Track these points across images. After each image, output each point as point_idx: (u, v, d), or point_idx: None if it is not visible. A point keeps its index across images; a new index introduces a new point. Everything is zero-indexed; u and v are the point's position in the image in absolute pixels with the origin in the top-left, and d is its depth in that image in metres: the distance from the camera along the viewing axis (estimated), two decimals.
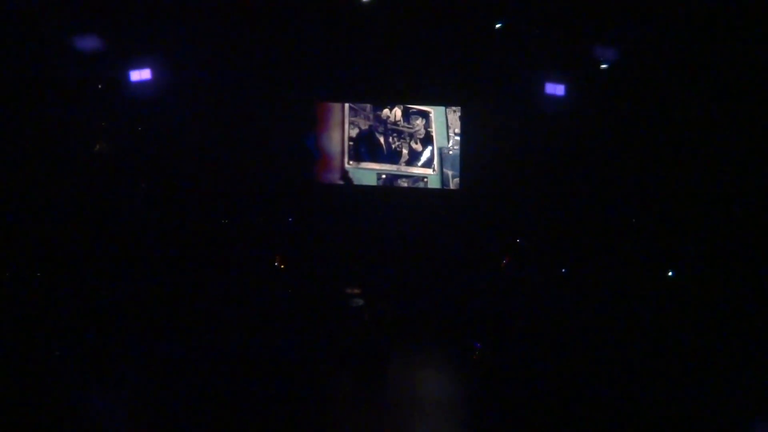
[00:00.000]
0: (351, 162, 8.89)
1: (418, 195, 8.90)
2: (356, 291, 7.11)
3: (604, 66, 7.40)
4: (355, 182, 8.88)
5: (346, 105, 8.81)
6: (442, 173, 8.83)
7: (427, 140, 8.78)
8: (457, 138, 8.75)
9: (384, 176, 8.91)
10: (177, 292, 7.10)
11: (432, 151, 8.81)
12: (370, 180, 8.90)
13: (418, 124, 8.83)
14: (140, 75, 7.38)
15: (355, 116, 8.89)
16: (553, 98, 7.73)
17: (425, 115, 8.83)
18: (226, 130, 8.60)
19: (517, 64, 8.01)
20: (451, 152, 8.81)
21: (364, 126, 8.88)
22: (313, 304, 7.23)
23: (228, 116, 8.58)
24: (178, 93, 8.10)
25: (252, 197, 8.67)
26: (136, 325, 6.43)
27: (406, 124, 8.84)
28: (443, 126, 8.81)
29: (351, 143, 8.85)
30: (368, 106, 8.88)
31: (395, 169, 8.89)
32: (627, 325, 6.45)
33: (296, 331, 6.57)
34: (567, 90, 7.64)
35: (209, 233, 8.19)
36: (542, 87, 7.73)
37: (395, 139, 8.83)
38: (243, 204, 8.63)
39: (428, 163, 8.81)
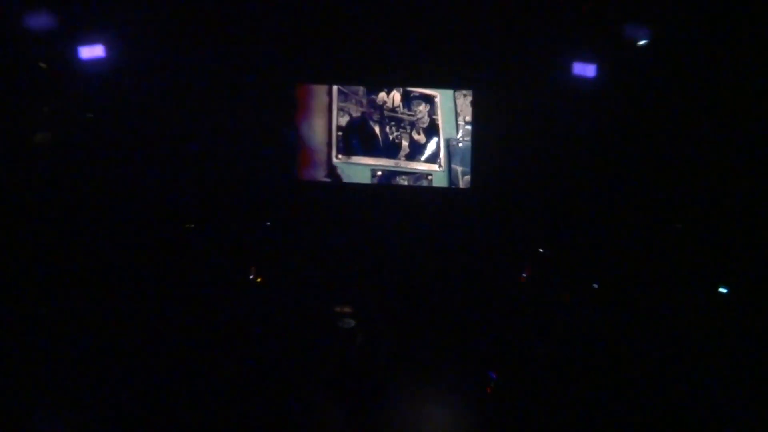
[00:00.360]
0: (340, 156, 8.53)
1: (421, 195, 8.55)
2: (347, 310, 6.82)
3: (642, 42, 6.98)
4: (345, 180, 8.51)
5: (334, 88, 8.42)
6: (449, 169, 8.48)
7: (432, 130, 8.43)
8: (468, 127, 8.37)
9: (380, 173, 8.54)
10: (132, 310, 6.74)
11: (438, 143, 8.48)
12: (363, 177, 8.50)
13: (420, 111, 8.48)
14: (91, 52, 7.15)
15: (345, 101, 8.52)
16: (583, 80, 7.37)
17: (430, 100, 8.47)
18: (190, 118, 8.28)
19: (538, 40, 7.67)
20: (460, 144, 8.45)
21: (356, 113, 8.53)
22: (295, 325, 6.84)
23: (193, 101, 8.25)
24: (135, 73, 7.87)
25: (222, 197, 8.38)
26: (78, 353, 6.03)
27: (406, 111, 8.49)
28: (451, 113, 8.44)
29: (340, 133, 8.50)
30: (361, 89, 8.50)
31: (393, 164, 8.53)
32: (672, 352, 6.08)
33: (274, 358, 6.21)
34: (599, 71, 7.27)
35: (171, 240, 7.90)
36: (569, 67, 7.36)
37: (393, 128, 8.50)
38: (211, 205, 8.34)
39: (433, 158, 8.45)
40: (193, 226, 8.28)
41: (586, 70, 7.41)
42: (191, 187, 8.36)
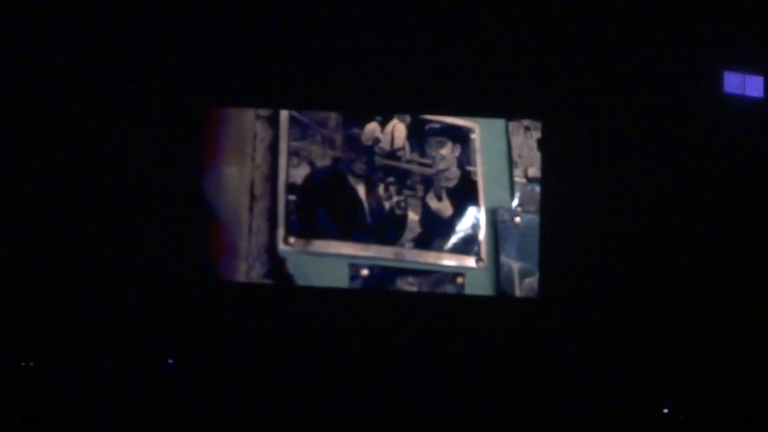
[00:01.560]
0: (291, 239, 7.52)
1: (445, 312, 7.63)
2: None
3: None
4: (301, 281, 7.53)
5: (283, 113, 7.56)
6: (497, 265, 7.48)
7: (465, 192, 7.54)
8: (534, 188, 7.49)
9: (366, 271, 7.53)
10: None
11: (475, 218, 7.58)
12: (337, 277, 7.48)
13: (444, 158, 7.54)
14: None
15: (303, 138, 7.51)
16: (740, 102, 6.97)
17: (461, 136, 7.53)
18: (34, 167, 7.57)
19: (662, 36, 7.05)
20: (518, 220, 7.48)
21: (323, 160, 7.51)
22: None
23: (39, 141, 7.53)
24: None
25: (86, 317, 7.71)
26: None
27: (416, 157, 7.53)
28: (502, 161, 7.52)
29: (293, 197, 7.55)
30: (332, 117, 7.60)
31: (392, 254, 7.49)
32: None
33: None
34: None
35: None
36: (718, 80, 6.91)
37: (393, 189, 7.57)
38: (66, 331, 7.67)
39: (467, 244, 7.53)
40: (32, 364, 7.74)
41: (746, 85, 7.07)
42: (33, 300, 7.64)
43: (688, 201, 7.47)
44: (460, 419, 7.31)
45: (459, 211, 7.70)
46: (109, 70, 7.78)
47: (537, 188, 7.65)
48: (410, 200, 7.69)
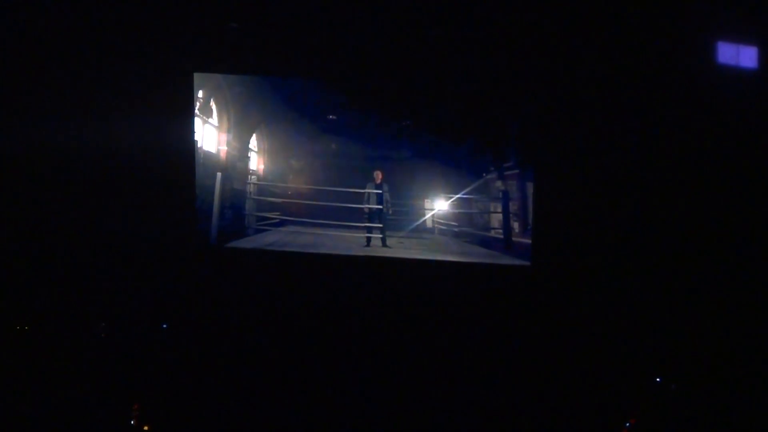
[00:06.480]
0: None
1: (438, 274, 8.03)
2: None
3: None
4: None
5: None
6: None
7: None
8: None
9: None
10: None
11: None
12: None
13: None
14: None
15: None
16: (735, 73, 6.98)
17: None
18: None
19: (655, 6, 7.08)
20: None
21: None
22: None
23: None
24: None
25: (79, 275, 8.14)
26: None
27: None
28: None
29: None
30: None
31: None
32: None
33: None
34: (764, 57, 6.86)
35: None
36: (711, 51, 7.00)
37: None
38: (60, 289, 8.09)
39: None
40: (27, 328, 7.99)
41: (739, 55, 7.01)
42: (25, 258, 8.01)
43: (681, 171, 7.42)
44: (455, 378, 7.33)
45: None
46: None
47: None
48: None
